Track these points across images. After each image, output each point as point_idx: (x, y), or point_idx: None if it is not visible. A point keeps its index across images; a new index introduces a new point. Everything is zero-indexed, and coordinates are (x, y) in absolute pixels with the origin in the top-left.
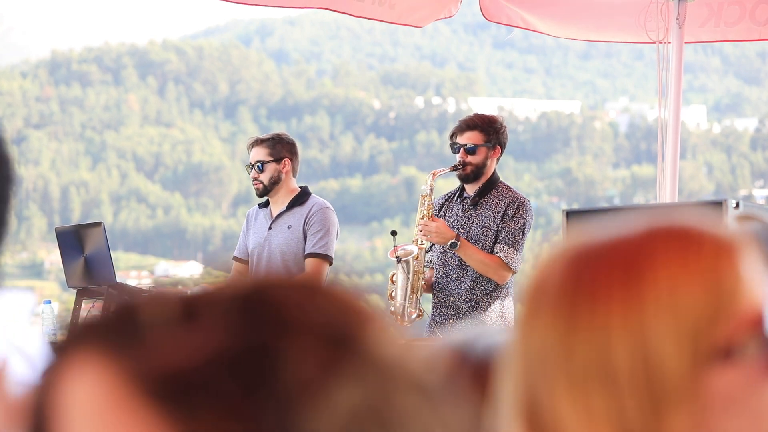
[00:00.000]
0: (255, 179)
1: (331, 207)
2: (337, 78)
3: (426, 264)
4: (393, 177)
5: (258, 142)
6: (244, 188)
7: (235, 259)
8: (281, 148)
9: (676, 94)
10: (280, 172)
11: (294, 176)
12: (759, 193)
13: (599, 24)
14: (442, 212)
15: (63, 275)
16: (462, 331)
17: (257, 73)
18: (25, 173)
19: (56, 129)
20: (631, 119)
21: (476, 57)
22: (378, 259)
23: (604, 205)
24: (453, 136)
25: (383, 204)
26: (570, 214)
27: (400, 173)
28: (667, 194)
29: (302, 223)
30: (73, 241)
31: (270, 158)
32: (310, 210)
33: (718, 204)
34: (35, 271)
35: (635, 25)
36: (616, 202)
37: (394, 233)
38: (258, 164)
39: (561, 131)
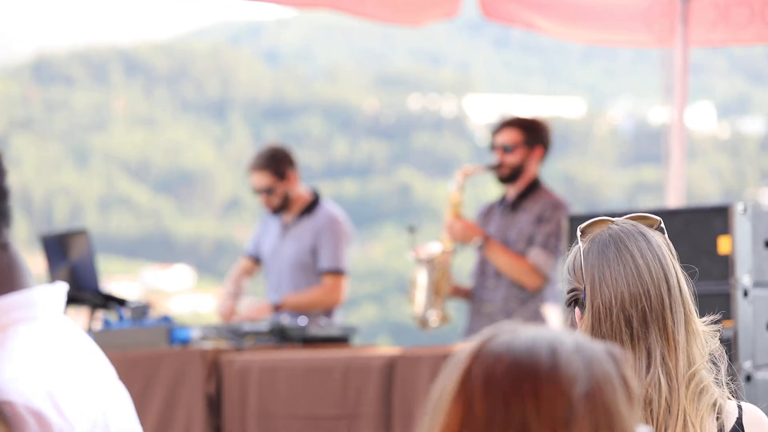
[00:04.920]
0: (266, 202)
1: (340, 216)
2: (330, 79)
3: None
4: (388, 179)
5: (258, 167)
6: (234, 192)
7: (244, 256)
8: (281, 164)
9: (681, 95)
10: (287, 187)
11: (299, 180)
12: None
13: (603, 25)
14: (486, 218)
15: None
16: (490, 329)
17: (248, 75)
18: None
19: (41, 131)
20: (634, 121)
21: (474, 57)
22: (373, 263)
23: (607, 209)
24: (492, 135)
25: (378, 207)
26: (573, 220)
27: (395, 176)
28: (673, 198)
29: (312, 236)
30: (58, 248)
31: (275, 180)
32: (320, 224)
33: (724, 209)
34: None
35: (640, 26)
36: (620, 206)
37: (412, 229)
38: (266, 190)
39: (562, 134)
